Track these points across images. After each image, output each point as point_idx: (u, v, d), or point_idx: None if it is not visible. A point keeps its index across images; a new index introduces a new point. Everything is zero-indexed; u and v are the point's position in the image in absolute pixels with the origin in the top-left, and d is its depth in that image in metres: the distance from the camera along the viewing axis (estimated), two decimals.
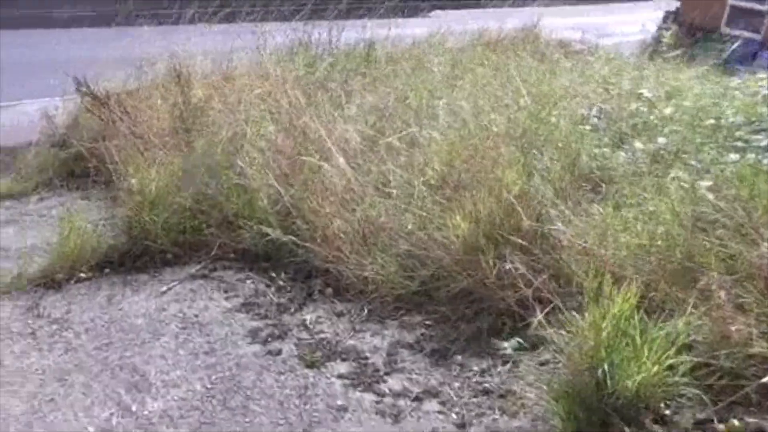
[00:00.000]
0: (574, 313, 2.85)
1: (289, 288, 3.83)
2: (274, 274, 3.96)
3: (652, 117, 4.58)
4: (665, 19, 12.60)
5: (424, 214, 3.76)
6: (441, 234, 3.56)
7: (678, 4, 12.91)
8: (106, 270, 4.09)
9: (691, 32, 10.84)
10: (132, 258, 4.17)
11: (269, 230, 3.98)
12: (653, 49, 8.14)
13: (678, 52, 7.19)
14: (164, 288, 3.87)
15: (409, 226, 3.77)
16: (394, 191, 3.92)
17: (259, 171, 4.41)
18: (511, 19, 9.87)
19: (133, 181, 4.40)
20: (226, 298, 3.78)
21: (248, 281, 3.95)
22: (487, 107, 4.74)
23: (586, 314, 2.75)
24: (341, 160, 4.24)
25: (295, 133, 4.64)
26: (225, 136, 4.77)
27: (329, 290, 3.75)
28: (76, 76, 6.03)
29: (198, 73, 6.07)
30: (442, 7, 14.33)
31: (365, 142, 4.58)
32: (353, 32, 7.26)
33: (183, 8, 7.25)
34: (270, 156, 4.51)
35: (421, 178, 3.99)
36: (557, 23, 10.97)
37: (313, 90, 5.36)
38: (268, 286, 3.87)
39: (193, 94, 5.48)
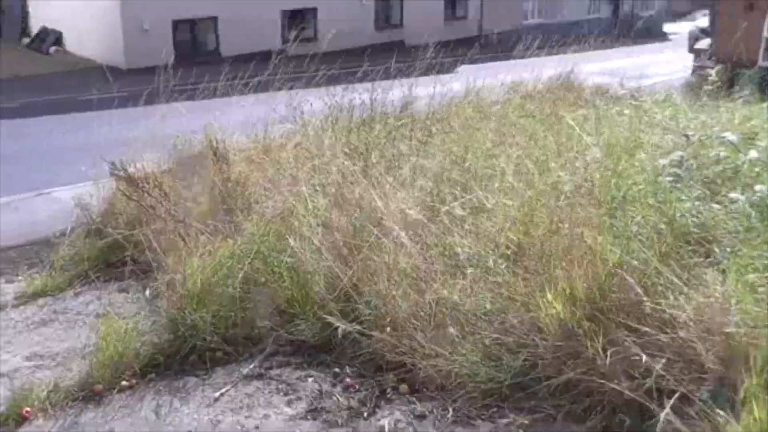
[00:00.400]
0: (719, 411, 2.30)
1: (357, 386, 3.31)
2: (338, 370, 3.46)
3: (740, 162, 4.07)
4: (697, 56, 12.22)
5: (505, 292, 3.26)
6: (530, 315, 3.04)
7: (705, 42, 12.54)
8: (150, 375, 3.62)
9: (729, 68, 10.39)
10: (179, 360, 3.69)
11: (329, 318, 3.50)
12: (699, 88, 7.67)
13: (735, 90, 6.70)
14: (216, 394, 3.38)
15: (488, 306, 3.27)
16: (469, 270, 3.42)
17: (312, 252, 3.96)
18: (542, 69, 9.52)
19: (177, 276, 3.96)
20: (288, 403, 3.27)
21: (310, 380, 3.44)
22: (552, 163, 4.27)
23: (741, 414, 2.21)
24: (402, 234, 3.77)
25: (348, 206, 4.20)
26: (272, 214, 4.35)
27: (404, 387, 3.23)
28: (110, 159, 5.73)
29: (235, 148, 5.72)
30: (473, 61, 13.98)
31: (425, 212, 4.12)
32: (396, 92, 6.90)
33: (212, 81, 6.98)
34: (323, 234, 4.07)
35: (496, 250, 3.50)
36: (586, 69, 10.59)
37: (360, 156, 4.94)
38: (333, 384, 3.36)
39: (232, 171, 5.10)
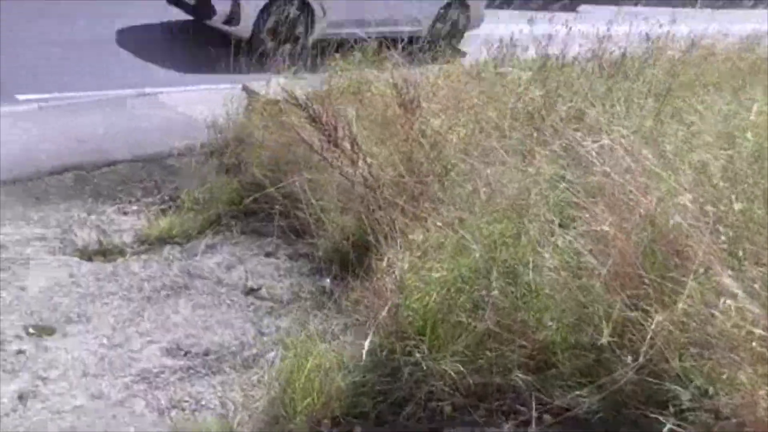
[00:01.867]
0: None
1: None
2: None
3: None
4: None
5: None
6: None
7: None
8: (357, 428, 2.45)
9: None
10: (393, 410, 2.51)
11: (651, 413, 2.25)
12: None
13: None
14: None
15: None
16: None
17: (575, 276, 2.69)
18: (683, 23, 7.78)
19: (380, 279, 2.70)
20: None
21: None
22: None
23: None
24: (728, 279, 2.46)
25: (626, 212, 2.87)
26: (500, 203, 3.02)
27: None
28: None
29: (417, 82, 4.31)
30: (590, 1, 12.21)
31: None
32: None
33: None
34: (592, 250, 2.77)
35: None
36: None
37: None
38: None
39: (428, 125, 3.72)
